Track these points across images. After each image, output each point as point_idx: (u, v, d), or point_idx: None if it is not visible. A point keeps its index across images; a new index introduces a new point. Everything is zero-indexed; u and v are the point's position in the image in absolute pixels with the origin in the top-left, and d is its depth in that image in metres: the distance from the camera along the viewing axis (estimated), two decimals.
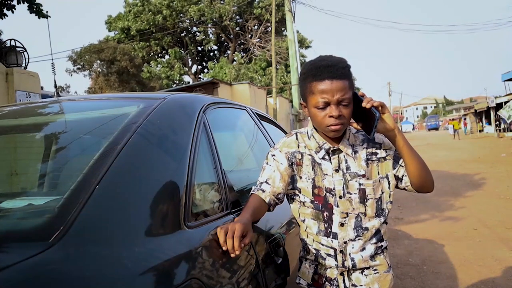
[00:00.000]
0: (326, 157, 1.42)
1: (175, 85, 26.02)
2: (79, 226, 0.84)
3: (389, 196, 1.45)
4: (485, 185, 8.61)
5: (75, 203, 0.88)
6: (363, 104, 1.31)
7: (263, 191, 1.40)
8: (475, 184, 8.83)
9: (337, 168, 1.41)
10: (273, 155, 1.47)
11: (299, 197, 1.46)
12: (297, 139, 1.48)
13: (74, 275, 0.77)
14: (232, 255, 1.13)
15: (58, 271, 0.76)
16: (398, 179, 1.44)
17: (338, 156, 1.42)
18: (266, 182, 1.42)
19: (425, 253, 4.40)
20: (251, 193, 1.42)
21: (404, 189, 1.46)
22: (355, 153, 1.42)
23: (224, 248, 1.13)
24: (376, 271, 1.44)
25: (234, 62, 25.41)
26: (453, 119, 41.46)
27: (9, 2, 6.83)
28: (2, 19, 6.88)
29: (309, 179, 1.43)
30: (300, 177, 1.45)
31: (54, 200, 1.02)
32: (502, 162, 12.54)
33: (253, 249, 1.35)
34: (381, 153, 1.44)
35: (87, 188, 0.92)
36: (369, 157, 1.43)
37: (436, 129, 58.63)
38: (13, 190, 1.40)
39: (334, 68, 1.30)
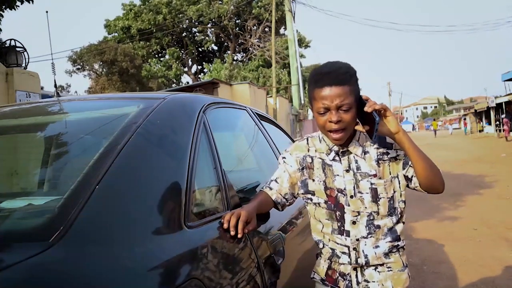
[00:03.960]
0: (337, 158, 1.46)
1: (174, 84, 26.01)
2: (79, 226, 0.84)
3: (401, 196, 1.47)
4: (485, 185, 8.62)
5: (75, 203, 0.88)
6: (365, 109, 1.32)
7: (271, 188, 1.50)
8: (475, 184, 8.83)
9: (347, 168, 1.45)
10: (284, 157, 1.55)
11: (314, 199, 1.51)
12: (307, 143, 1.54)
13: (74, 275, 0.77)
14: (232, 233, 1.19)
15: (58, 271, 0.76)
16: (407, 179, 1.46)
17: (348, 157, 1.46)
18: (275, 180, 1.51)
19: (425, 253, 4.40)
20: (260, 190, 1.49)
21: (414, 189, 1.48)
22: (365, 154, 1.45)
23: (225, 226, 1.20)
24: (389, 269, 1.46)
25: (228, 63, 25.40)
26: (434, 120, 46.39)
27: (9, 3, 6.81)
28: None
29: (320, 181, 1.48)
30: (313, 180, 1.50)
31: (54, 200, 1.03)
32: (502, 162, 12.55)
33: (253, 249, 1.35)
34: (392, 153, 1.46)
35: (87, 188, 0.92)
36: (381, 157, 1.45)
37: None
38: (13, 190, 1.40)
39: (333, 75, 1.34)
